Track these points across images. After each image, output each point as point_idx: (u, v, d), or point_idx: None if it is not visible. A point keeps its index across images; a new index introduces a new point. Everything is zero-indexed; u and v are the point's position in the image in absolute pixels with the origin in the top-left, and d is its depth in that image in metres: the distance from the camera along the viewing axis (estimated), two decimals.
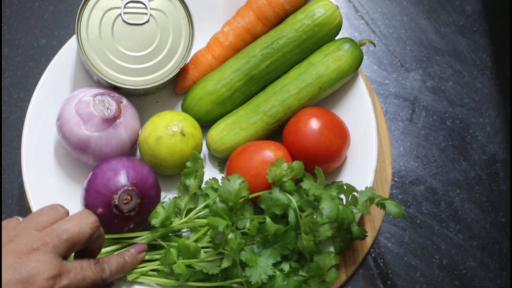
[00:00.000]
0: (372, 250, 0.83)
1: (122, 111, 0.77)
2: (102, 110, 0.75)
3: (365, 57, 0.92)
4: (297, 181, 0.77)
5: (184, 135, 0.77)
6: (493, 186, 0.87)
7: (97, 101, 0.75)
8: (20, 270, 0.55)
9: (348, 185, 0.74)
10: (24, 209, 0.82)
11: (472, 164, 0.88)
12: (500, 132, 0.90)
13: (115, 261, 0.67)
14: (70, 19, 0.93)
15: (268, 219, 0.71)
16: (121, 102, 0.77)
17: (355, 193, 0.74)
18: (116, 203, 0.71)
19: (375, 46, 0.88)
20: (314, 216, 0.70)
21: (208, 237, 0.72)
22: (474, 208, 0.86)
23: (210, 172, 0.82)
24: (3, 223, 0.60)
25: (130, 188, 0.72)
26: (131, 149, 0.79)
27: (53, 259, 0.57)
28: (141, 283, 0.73)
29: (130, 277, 0.71)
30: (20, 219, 0.61)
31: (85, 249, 0.64)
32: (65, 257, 0.59)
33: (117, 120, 0.76)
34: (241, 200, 0.71)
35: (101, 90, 0.77)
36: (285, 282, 0.71)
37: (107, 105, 0.75)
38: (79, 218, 0.61)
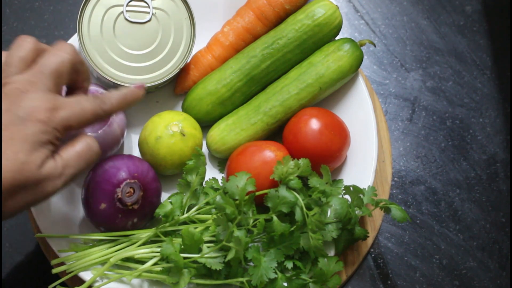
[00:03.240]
0: (372, 250, 0.83)
1: None
2: None
3: (365, 57, 0.92)
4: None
5: (184, 135, 0.77)
6: (493, 186, 0.87)
7: None
8: (17, 111, 0.56)
9: (355, 187, 0.74)
10: None
11: (472, 164, 0.88)
12: (500, 132, 0.90)
13: (115, 94, 0.66)
14: (70, 19, 0.93)
15: (275, 218, 0.71)
16: None
17: (361, 195, 0.74)
18: (119, 196, 0.71)
19: (375, 46, 0.88)
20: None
21: (211, 232, 0.72)
22: (474, 208, 0.86)
23: (210, 172, 0.82)
24: None
25: (132, 181, 0.72)
26: (122, 138, 0.79)
27: (45, 94, 0.58)
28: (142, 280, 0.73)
29: (130, 277, 0.71)
30: None
31: (75, 85, 0.65)
32: (57, 91, 0.60)
33: (111, 118, 0.76)
34: (246, 196, 0.71)
35: (91, 87, 0.76)
36: (285, 284, 0.71)
37: None
38: (55, 50, 0.62)
